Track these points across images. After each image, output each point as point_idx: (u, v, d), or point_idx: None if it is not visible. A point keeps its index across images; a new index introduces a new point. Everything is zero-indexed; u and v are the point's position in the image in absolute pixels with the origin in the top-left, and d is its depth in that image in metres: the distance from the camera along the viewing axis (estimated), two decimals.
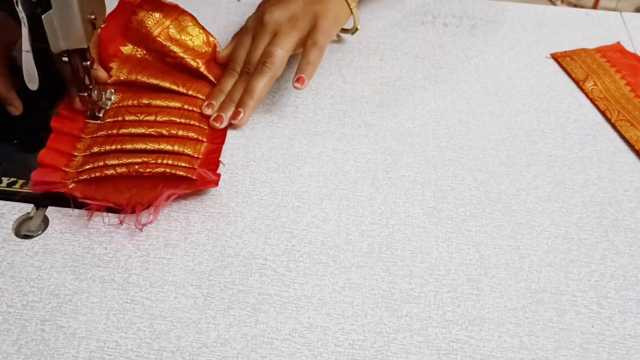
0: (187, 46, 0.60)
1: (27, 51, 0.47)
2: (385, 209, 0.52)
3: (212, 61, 0.62)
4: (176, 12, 0.60)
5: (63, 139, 0.53)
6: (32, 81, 0.49)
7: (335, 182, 0.54)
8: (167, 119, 0.55)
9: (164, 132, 0.53)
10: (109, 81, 0.57)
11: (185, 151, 0.53)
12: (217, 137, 0.56)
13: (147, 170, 0.50)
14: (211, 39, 0.62)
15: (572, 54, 0.70)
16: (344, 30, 0.67)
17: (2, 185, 0.50)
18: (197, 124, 0.56)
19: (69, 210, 0.49)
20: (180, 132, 0.54)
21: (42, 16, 0.45)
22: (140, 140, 0.52)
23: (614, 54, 0.70)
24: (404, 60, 0.68)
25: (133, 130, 0.53)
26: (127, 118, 0.55)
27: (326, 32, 0.59)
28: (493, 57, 0.70)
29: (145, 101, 0.56)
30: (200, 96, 0.58)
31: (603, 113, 0.63)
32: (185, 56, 0.58)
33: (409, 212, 0.52)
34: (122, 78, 0.57)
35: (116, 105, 0.56)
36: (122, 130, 0.53)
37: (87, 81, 0.52)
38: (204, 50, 0.61)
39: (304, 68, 0.56)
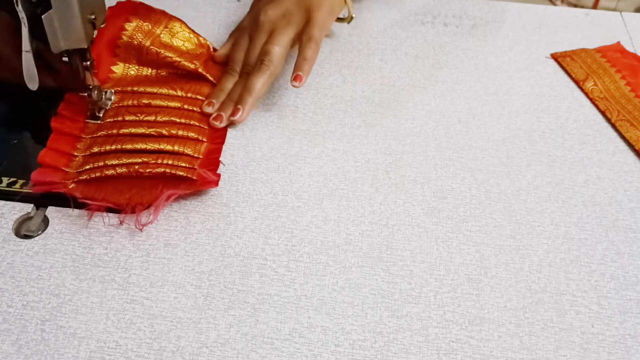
0: (182, 51, 0.60)
1: (27, 51, 0.47)
2: (385, 209, 0.52)
3: (209, 61, 0.61)
4: (165, 19, 0.60)
5: (63, 139, 0.52)
6: (32, 81, 0.49)
7: (335, 182, 0.54)
8: (167, 119, 0.55)
9: (164, 132, 0.53)
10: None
11: (186, 151, 0.52)
12: (217, 137, 0.55)
13: (147, 170, 0.50)
14: (202, 40, 0.62)
15: (572, 54, 0.70)
16: (340, 20, 0.67)
17: (2, 185, 0.50)
18: (197, 124, 0.56)
19: (69, 210, 0.49)
20: (180, 132, 0.54)
21: (42, 16, 0.45)
22: (140, 140, 0.52)
23: (614, 54, 0.70)
24: (404, 60, 0.68)
25: (133, 130, 0.53)
26: (127, 118, 0.54)
27: (321, 25, 0.59)
28: (493, 57, 0.70)
29: (145, 101, 0.56)
30: (200, 97, 0.58)
31: (603, 113, 0.63)
32: (181, 60, 0.58)
33: (409, 212, 0.52)
34: (117, 89, 0.57)
35: (116, 105, 0.56)
36: (123, 130, 0.53)
37: (87, 81, 0.52)
38: (199, 52, 0.61)
39: (301, 65, 0.56)
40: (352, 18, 0.66)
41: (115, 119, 0.55)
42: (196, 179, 0.50)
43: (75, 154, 0.52)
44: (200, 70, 0.59)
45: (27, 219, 0.49)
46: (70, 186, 0.49)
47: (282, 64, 0.59)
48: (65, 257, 0.46)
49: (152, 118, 0.54)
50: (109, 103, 0.56)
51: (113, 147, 0.52)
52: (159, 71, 0.60)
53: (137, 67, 0.59)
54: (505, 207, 0.53)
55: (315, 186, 0.53)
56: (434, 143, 0.58)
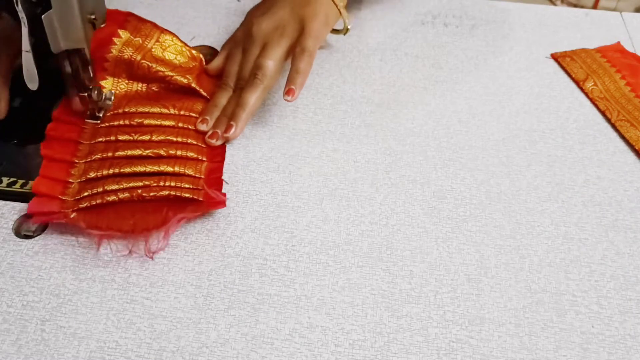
0: (174, 64, 0.58)
1: (27, 51, 0.47)
2: (385, 209, 0.52)
3: (202, 75, 0.60)
4: (156, 32, 0.58)
5: (55, 165, 0.51)
6: (32, 81, 0.48)
7: (335, 182, 0.54)
8: (163, 138, 0.53)
9: (162, 152, 0.52)
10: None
11: (187, 172, 0.51)
12: (217, 155, 0.54)
13: (151, 194, 0.48)
14: (195, 53, 0.60)
15: (572, 54, 0.70)
16: (336, 31, 0.66)
17: (2, 185, 0.50)
18: (195, 142, 0.54)
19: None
20: (179, 152, 0.52)
21: (42, 16, 0.45)
22: (138, 163, 0.51)
23: (614, 54, 0.70)
24: (404, 60, 0.68)
25: (129, 153, 0.51)
26: (120, 138, 0.53)
27: (315, 36, 0.58)
28: (493, 57, 0.70)
29: (138, 120, 0.54)
30: (194, 114, 0.56)
31: (603, 113, 0.63)
32: (173, 74, 0.57)
33: (409, 212, 0.52)
34: (109, 114, 0.55)
35: (107, 125, 0.54)
36: (118, 153, 0.51)
37: (86, 81, 0.52)
38: (191, 66, 0.59)
39: (294, 78, 0.55)
40: (347, 30, 0.65)
41: (107, 138, 0.53)
42: (202, 200, 0.49)
43: (70, 180, 0.50)
44: (193, 85, 0.57)
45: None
46: (72, 215, 0.47)
47: (276, 78, 0.58)
48: (65, 257, 0.46)
49: (147, 137, 0.53)
50: (109, 103, 0.56)
51: (110, 171, 0.50)
52: (150, 86, 0.58)
53: (127, 81, 0.58)
54: (505, 207, 0.53)
55: (315, 186, 0.53)
56: (434, 143, 0.58)
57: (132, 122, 0.54)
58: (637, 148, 0.59)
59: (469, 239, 0.50)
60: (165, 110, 0.56)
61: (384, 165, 0.56)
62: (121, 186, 0.49)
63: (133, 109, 0.55)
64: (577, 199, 0.54)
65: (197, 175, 0.51)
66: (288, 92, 0.55)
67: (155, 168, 0.50)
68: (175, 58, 0.59)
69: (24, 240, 0.47)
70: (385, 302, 0.46)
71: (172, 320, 0.43)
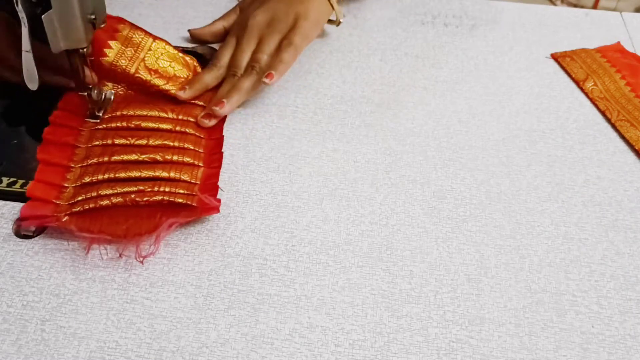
0: (169, 74, 0.58)
1: (27, 51, 0.47)
2: (385, 209, 0.52)
3: None
4: (149, 40, 0.57)
5: (51, 170, 0.50)
6: (32, 81, 0.48)
7: (335, 182, 0.54)
8: (160, 142, 0.53)
9: (158, 157, 0.52)
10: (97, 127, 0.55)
11: (182, 177, 0.51)
12: (215, 161, 0.54)
13: (145, 199, 0.48)
14: (189, 59, 0.60)
15: (572, 54, 0.70)
16: (329, 22, 0.68)
17: (2, 185, 0.50)
18: (192, 147, 0.54)
19: None
20: (175, 157, 0.52)
21: (42, 16, 0.45)
22: (134, 168, 0.50)
23: (614, 54, 0.70)
24: (404, 60, 0.68)
25: (125, 157, 0.51)
26: (117, 141, 0.52)
27: (305, 34, 0.62)
28: (493, 57, 0.70)
29: (136, 122, 0.54)
30: (191, 119, 0.57)
31: (603, 113, 0.63)
32: (169, 87, 0.57)
33: (409, 212, 0.52)
34: (106, 117, 0.55)
35: (104, 127, 0.54)
36: (114, 158, 0.51)
37: (87, 81, 0.52)
38: (185, 75, 0.59)
39: (276, 65, 0.58)
40: (339, 22, 0.68)
41: (104, 142, 0.52)
42: (196, 206, 0.48)
43: (66, 185, 0.49)
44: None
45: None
46: (64, 219, 0.47)
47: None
48: (65, 257, 0.46)
49: (144, 142, 0.52)
50: (110, 100, 0.55)
51: (105, 176, 0.50)
52: (149, 89, 0.58)
53: (125, 86, 0.58)
54: (505, 207, 0.53)
55: (315, 186, 0.53)
56: (434, 143, 0.58)
57: (129, 125, 0.54)
58: (637, 148, 0.59)
59: (469, 239, 0.50)
60: (163, 114, 0.56)
61: (384, 165, 0.56)
62: (115, 191, 0.49)
63: (131, 112, 0.55)
64: (577, 199, 0.54)
65: (192, 181, 0.51)
66: (268, 75, 0.58)
67: (151, 173, 0.50)
68: (170, 65, 0.58)
69: (23, 240, 0.47)
70: (385, 302, 0.46)
71: (172, 320, 0.43)
